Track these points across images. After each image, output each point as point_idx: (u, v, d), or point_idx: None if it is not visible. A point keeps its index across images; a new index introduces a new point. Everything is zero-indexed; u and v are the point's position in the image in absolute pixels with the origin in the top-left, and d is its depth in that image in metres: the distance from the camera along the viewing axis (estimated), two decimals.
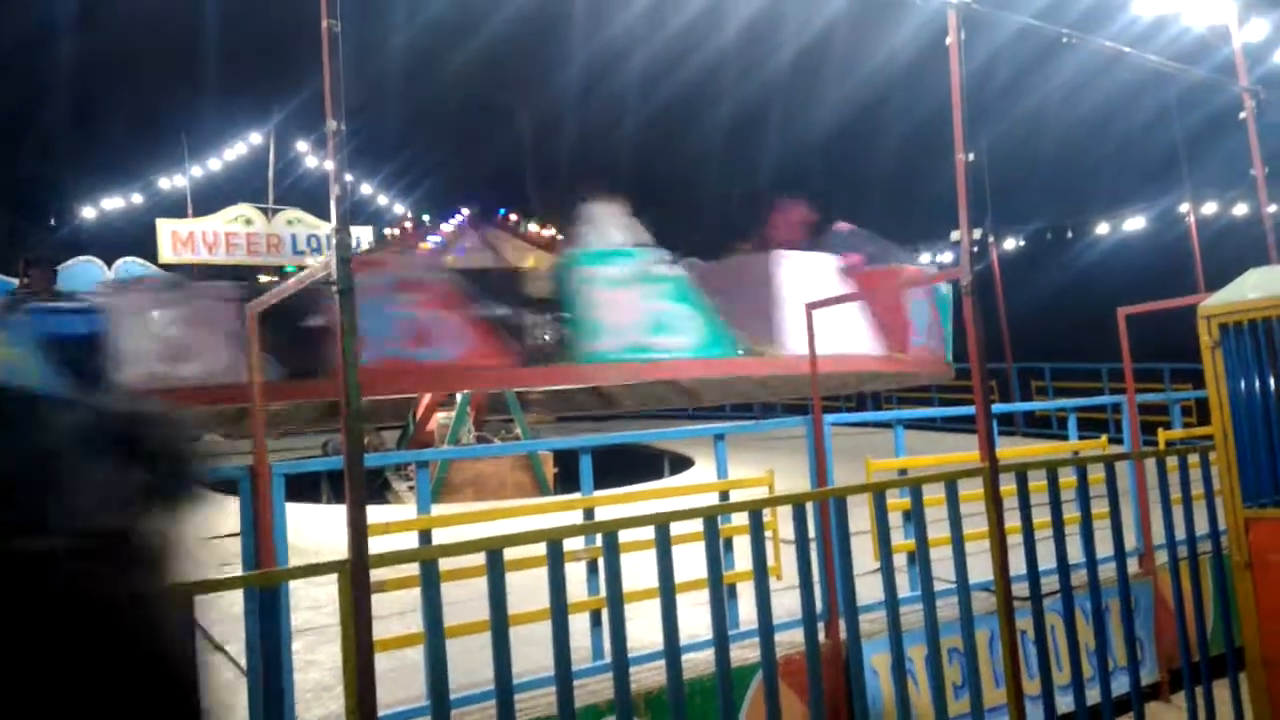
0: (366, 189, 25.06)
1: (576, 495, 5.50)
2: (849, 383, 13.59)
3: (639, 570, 4.61)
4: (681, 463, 14.05)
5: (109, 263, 16.11)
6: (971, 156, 5.00)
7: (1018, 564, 4.93)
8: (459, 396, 12.16)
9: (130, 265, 16.19)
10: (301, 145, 23.19)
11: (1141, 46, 6.76)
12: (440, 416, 12.37)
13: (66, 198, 21.20)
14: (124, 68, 23.78)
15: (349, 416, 3.58)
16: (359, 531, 3.52)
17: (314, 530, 9.19)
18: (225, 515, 9.35)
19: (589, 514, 5.33)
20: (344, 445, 3.59)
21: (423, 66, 24.01)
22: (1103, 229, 19.73)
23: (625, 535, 4.15)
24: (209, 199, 21.02)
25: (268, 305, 4.55)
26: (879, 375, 12.24)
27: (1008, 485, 4.95)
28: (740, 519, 5.43)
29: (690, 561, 4.59)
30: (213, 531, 8.87)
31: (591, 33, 24.38)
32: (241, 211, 20.39)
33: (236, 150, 21.73)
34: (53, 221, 20.39)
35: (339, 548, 8.01)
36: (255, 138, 21.62)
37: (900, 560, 5.93)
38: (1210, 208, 17.94)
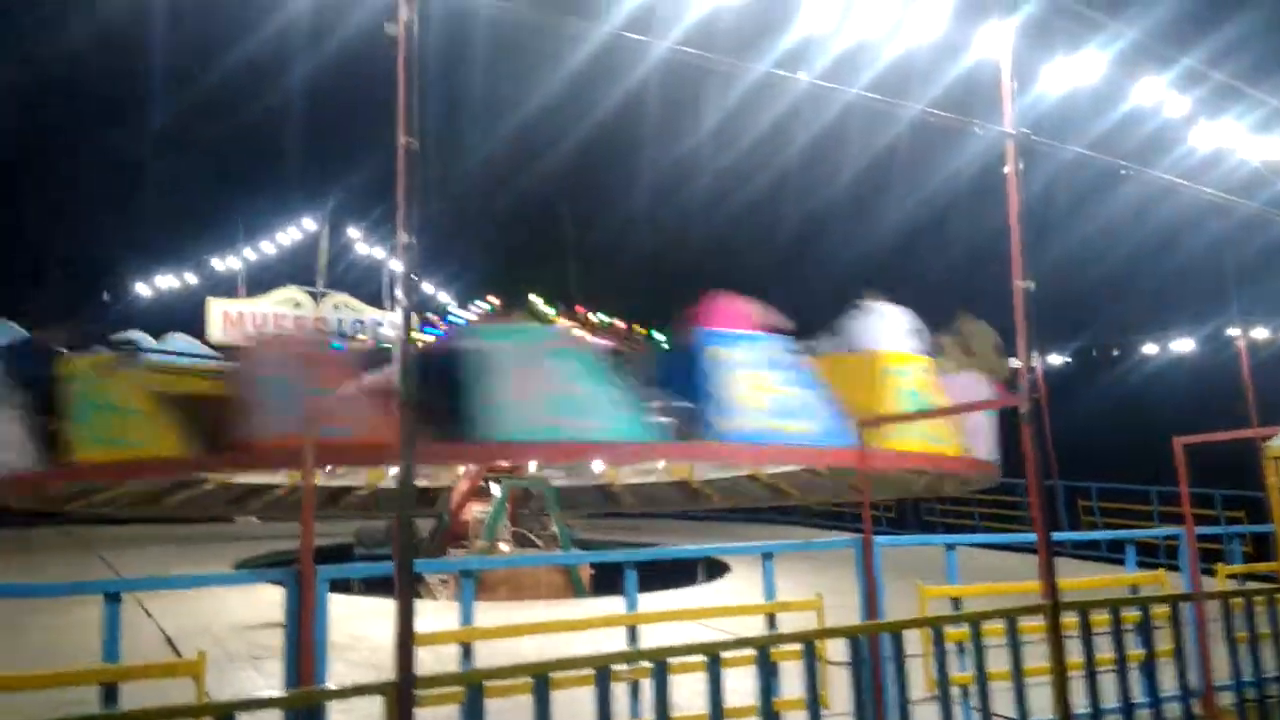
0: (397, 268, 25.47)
1: (620, 609, 5.38)
2: (913, 483, 13.18)
3: (681, 687, 4.46)
4: (715, 567, 13.82)
5: (156, 338, 16.37)
6: (1032, 285, 4.98)
7: (1079, 700, 4.73)
8: (497, 491, 12.10)
9: (176, 341, 16.47)
10: (352, 231, 23.74)
11: (1198, 177, 6.77)
12: (476, 510, 12.28)
13: (122, 274, 21.78)
14: (185, 149, 24.68)
15: (402, 533, 3.56)
16: (406, 651, 3.45)
17: (346, 620, 9.06)
18: (255, 603, 9.35)
19: (632, 630, 5.20)
20: (396, 559, 3.55)
21: (475, 168, 24.72)
22: (1150, 349, 19.57)
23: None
24: (260, 280, 21.53)
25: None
26: (945, 476, 11.87)
27: (1068, 618, 4.78)
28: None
29: (735, 681, 4.44)
30: (244, 621, 8.82)
31: (651, 149, 25.20)
32: (290, 294, 20.77)
33: (289, 234, 22.31)
34: (106, 296, 20.91)
35: (374, 642, 7.87)
36: (308, 223, 22.21)
37: (954, 691, 5.71)
38: (1261, 333, 17.75)
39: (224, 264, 22.52)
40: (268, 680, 6.83)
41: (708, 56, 4.31)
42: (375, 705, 3.49)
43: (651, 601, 9.01)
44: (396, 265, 24.16)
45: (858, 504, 18.44)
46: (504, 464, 11.43)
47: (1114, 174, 6.11)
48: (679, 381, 9.13)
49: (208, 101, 23.15)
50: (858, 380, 9.58)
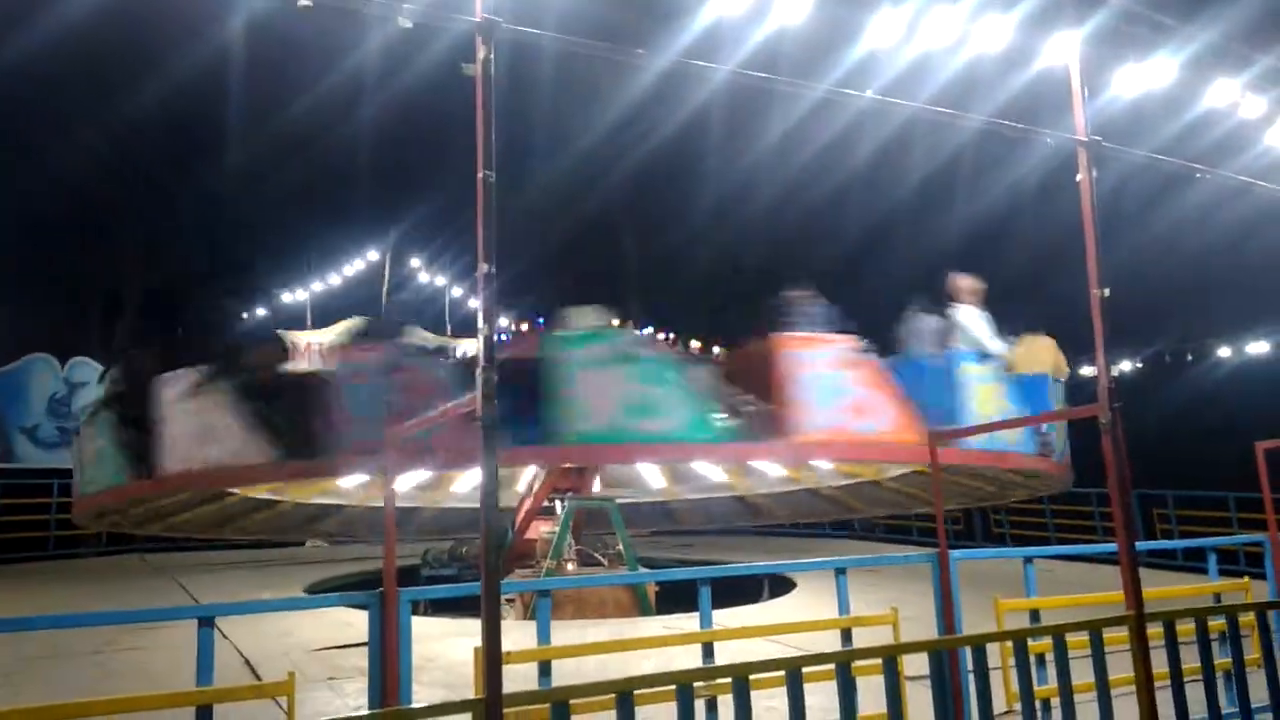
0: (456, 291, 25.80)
1: (686, 626, 5.41)
2: (981, 490, 12.91)
3: (755, 702, 4.46)
4: (779, 583, 13.74)
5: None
6: (1107, 292, 4.92)
7: (1166, 712, 4.64)
8: (562, 510, 12.18)
9: None
10: (414, 261, 24.24)
11: (1273, 176, 6.63)
12: (543, 530, 12.37)
13: (196, 307, 22.47)
14: (256, 188, 25.37)
15: (488, 551, 3.62)
16: (494, 668, 3.51)
17: (417, 641, 9.19)
18: (326, 625, 9.53)
19: (708, 646, 5.22)
20: (483, 577, 3.61)
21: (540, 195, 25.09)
22: (1225, 352, 19.04)
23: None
24: (327, 312, 22.06)
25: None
26: (1033, 475, 11.66)
27: (1151, 628, 4.70)
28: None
29: (810, 697, 4.43)
30: (317, 642, 8.99)
31: (713, 166, 25.38)
32: (355, 325, 21.24)
33: (354, 266, 22.85)
34: (180, 330, 21.57)
35: (446, 662, 7.97)
36: (372, 254, 22.73)
37: (1036, 704, 5.63)
38: None
39: (292, 296, 23.11)
40: (345, 700, 6.95)
41: (770, 78, 4.35)
42: None
43: (721, 618, 9.02)
44: (456, 291, 24.62)
45: (922, 516, 18.34)
46: (579, 465, 11.48)
47: (1186, 175, 6.02)
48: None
49: (276, 141, 23.87)
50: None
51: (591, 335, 9.12)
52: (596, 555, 12.19)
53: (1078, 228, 5.04)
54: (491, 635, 3.52)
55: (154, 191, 24.92)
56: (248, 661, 8.25)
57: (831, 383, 9.05)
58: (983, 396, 9.61)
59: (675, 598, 10.65)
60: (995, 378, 9.88)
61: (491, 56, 3.65)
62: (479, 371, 3.68)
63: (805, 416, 8.84)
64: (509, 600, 11.86)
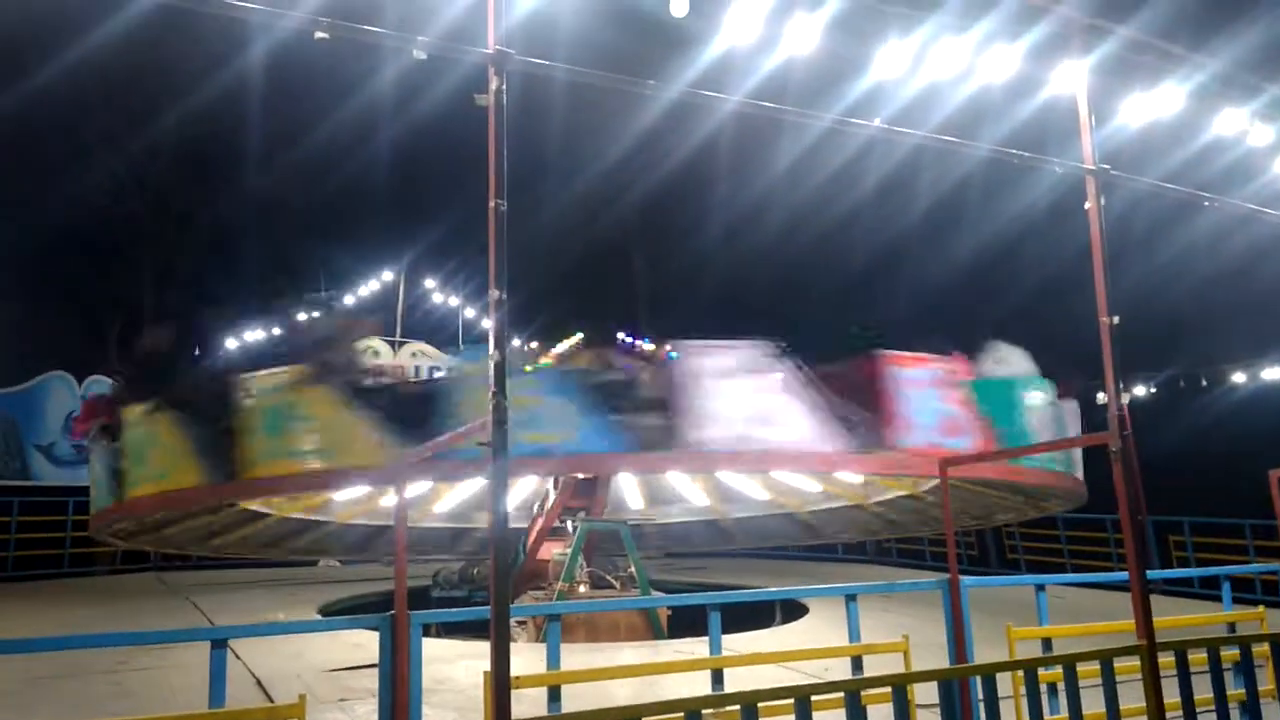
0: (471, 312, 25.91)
1: (698, 650, 5.41)
2: (994, 508, 12.84)
3: None
4: (793, 607, 13.68)
5: None
6: (1116, 320, 4.93)
7: None
8: (572, 530, 12.15)
9: None
10: (428, 281, 24.41)
11: None
12: (555, 552, 12.34)
13: (213, 330, 22.67)
14: (272, 211, 25.69)
15: (498, 575, 3.65)
16: (503, 695, 3.53)
17: (428, 663, 9.20)
18: (338, 646, 9.55)
19: (717, 672, 5.22)
20: (492, 603, 3.64)
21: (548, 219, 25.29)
22: (1240, 378, 18.93)
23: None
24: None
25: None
26: (1028, 497, 11.65)
27: (1164, 657, 4.68)
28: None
29: None
30: (329, 663, 9.00)
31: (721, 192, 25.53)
32: (369, 343, 21.37)
33: (369, 286, 23.04)
34: (197, 351, 21.75)
35: (457, 685, 7.97)
36: (386, 275, 22.92)
37: None
38: None
39: (308, 317, 23.24)
40: None
41: (779, 109, 4.40)
42: None
43: (732, 643, 8.99)
44: (469, 312, 24.77)
45: (935, 541, 18.19)
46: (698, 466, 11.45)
47: (1196, 202, 6.03)
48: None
49: (293, 164, 24.18)
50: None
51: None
52: (608, 578, 12.15)
53: (1088, 254, 5.06)
54: (500, 661, 3.55)
55: (172, 213, 25.21)
56: (260, 682, 8.28)
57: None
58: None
59: (688, 621, 10.62)
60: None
61: (504, 87, 3.71)
62: (490, 397, 3.72)
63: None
64: (521, 622, 11.83)
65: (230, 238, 26.10)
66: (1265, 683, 5.45)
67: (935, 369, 9.40)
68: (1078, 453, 11.13)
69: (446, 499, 14.03)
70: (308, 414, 8.98)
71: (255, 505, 11.56)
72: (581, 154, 24.08)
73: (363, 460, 8.63)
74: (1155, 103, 5.21)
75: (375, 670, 4.77)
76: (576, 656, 8.74)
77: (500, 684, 3.54)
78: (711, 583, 15.36)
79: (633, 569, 11.99)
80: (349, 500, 12.91)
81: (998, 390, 9.75)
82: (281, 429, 9.05)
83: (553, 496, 12.06)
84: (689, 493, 14.85)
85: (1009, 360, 10.21)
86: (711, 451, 8.87)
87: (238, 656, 8.92)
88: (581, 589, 11.73)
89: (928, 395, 9.26)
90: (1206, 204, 5.53)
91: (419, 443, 8.45)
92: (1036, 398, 10.01)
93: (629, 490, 14.66)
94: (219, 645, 4.41)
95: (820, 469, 10.35)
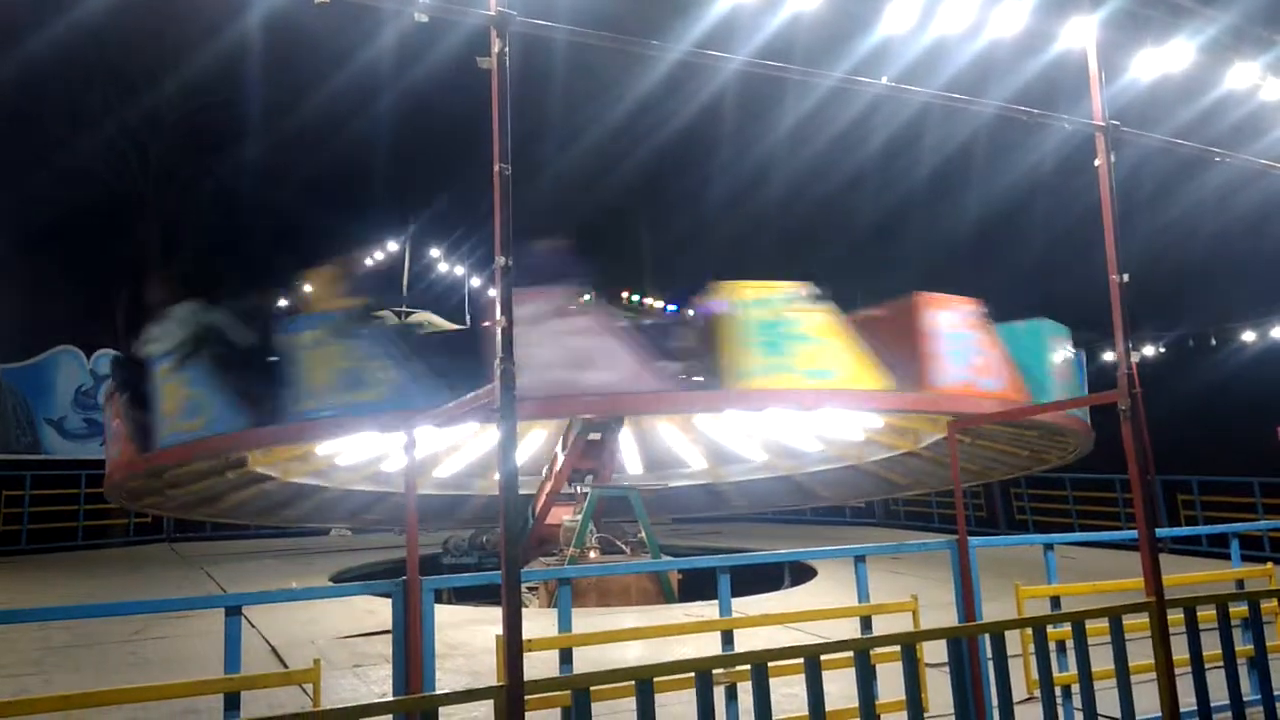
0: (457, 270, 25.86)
1: (708, 613, 5.44)
2: (1029, 451, 12.78)
3: (776, 690, 4.50)
4: (801, 570, 13.78)
5: None
6: (1126, 278, 4.90)
7: (1186, 698, 4.64)
8: (583, 496, 12.21)
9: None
10: (434, 251, 24.34)
11: None
12: (566, 518, 12.40)
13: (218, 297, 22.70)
14: (274, 179, 25.57)
15: (509, 542, 3.66)
16: (515, 656, 3.55)
17: (440, 629, 9.29)
18: (351, 613, 9.65)
19: (728, 634, 5.26)
20: (503, 567, 3.65)
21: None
22: (1249, 336, 18.85)
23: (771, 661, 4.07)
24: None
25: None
26: (1062, 433, 11.62)
27: (1173, 614, 4.70)
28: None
29: (830, 684, 4.46)
30: (342, 630, 9.10)
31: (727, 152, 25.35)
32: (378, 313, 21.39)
33: (374, 255, 22.99)
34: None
35: (470, 649, 8.05)
36: (391, 245, 22.85)
37: (1056, 691, 5.64)
38: None
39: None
40: (370, 687, 7.05)
41: (785, 68, 4.35)
42: (480, 710, 3.60)
43: (742, 606, 9.05)
44: (475, 281, 24.74)
45: (944, 504, 18.20)
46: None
47: (1207, 158, 5.97)
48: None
49: (296, 133, 24.05)
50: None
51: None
52: (618, 543, 12.21)
53: (1097, 211, 5.02)
54: (513, 624, 3.56)
55: (177, 184, 25.12)
56: (274, 649, 8.37)
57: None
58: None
59: (698, 585, 10.69)
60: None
61: (506, 50, 3.67)
62: (497, 364, 3.71)
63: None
64: (532, 588, 11.92)
65: (234, 208, 26.02)
66: (1274, 638, 5.47)
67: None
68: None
69: (445, 465, 14.10)
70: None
71: (262, 468, 11.59)
72: (585, 117, 23.91)
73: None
74: (1166, 57, 5.14)
75: (389, 636, 4.82)
76: (589, 620, 8.83)
77: (513, 647, 3.56)
78: (721, 546, 15.45)
79: (643, 534, 12.05)
80: (350, 466, 12.96)
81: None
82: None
83: (561, 459, 12.03)
84: (689, 456, 14.88)
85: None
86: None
87: (252, 625, 9.02)
88: (592, 555, 11.80)
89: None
90: (1217, 160, 5.48)
91: None
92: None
93: (629, 457, 14.69)
94: (233, 612, 4.45)
95: (869, 407, 10.22)
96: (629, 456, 14.69)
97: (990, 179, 20.96)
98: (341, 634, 8.98)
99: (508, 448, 3.72)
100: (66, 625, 9.16)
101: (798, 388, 8.70)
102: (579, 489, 12.25)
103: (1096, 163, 4.90)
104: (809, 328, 8.80)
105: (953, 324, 9.23)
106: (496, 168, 3.68)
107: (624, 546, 12.21)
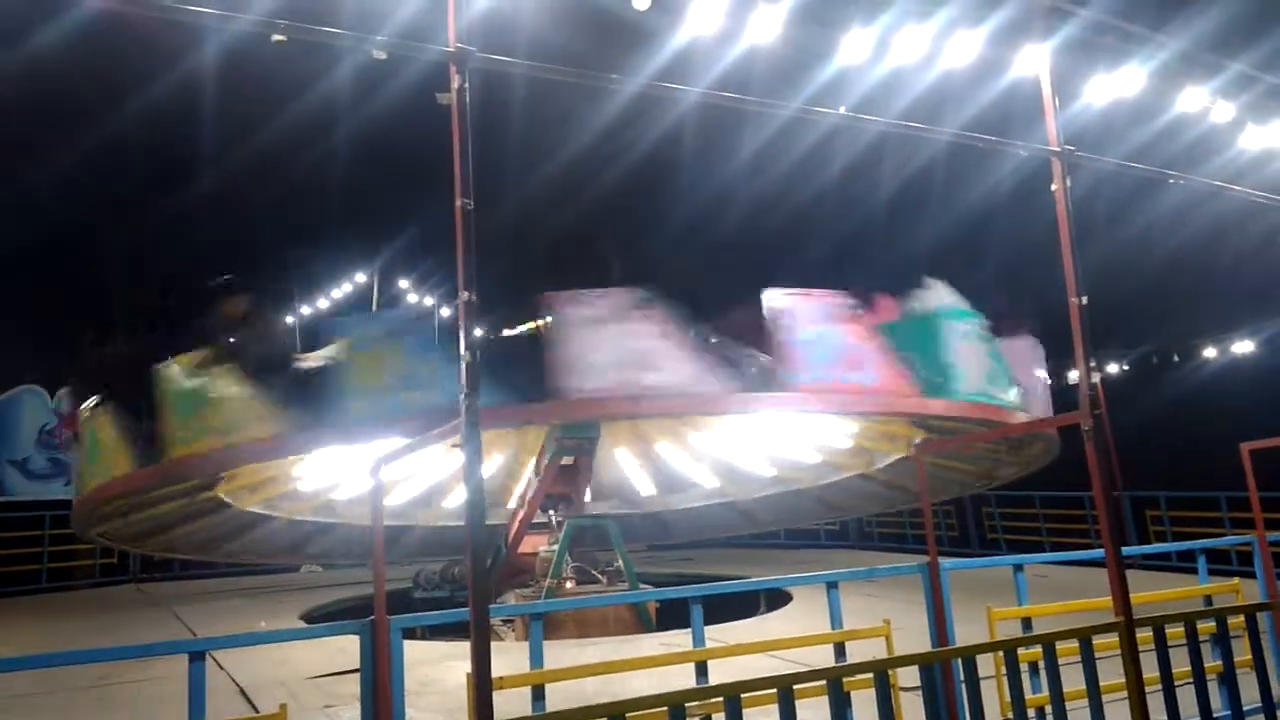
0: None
1: (686, 645, 5.41)
2: (985, 466, 12.80)
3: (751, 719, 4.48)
4: (778, 595, 13.76)
5: None
6: (1085, 300, 4.96)
7: (1158, 715, 4.66)
8: (554, 521, 12.09)
9: None
10: (403, 282, 24.27)
11: (1248, 177, 6.69)
12: (542, 549, 12.28)
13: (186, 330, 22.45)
14: (242, 211, 25.38)
15: (476, 576, 3.63)
16: (484, 695, 3.51)
17: (414, 666, 9.17)
18: (322, 651, 9.49)
19: (701, 665, 5.23)
20: (471, 605, 3.62)
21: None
22: (1211, 353, 19.16)
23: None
24: (314, 334, 22.08)
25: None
26: (1003, 452, 11.63)
27: (1142, 632, 4.73)
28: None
29: (806, 711, 4.44)
30: (314, 670, 8.95)
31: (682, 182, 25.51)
32: (344, 347, 21.25)
33: (341, 288, 22.90)
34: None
35: (444, 686, 7.94)
36: (359, 277, 22.80)
37: (1030, 713, 5.64)
38: None
39: (280, 320, 23.07)
40: None
41: (742, 99, 4.40)
42: None
43: (718, 633, 9.00)
44: (445, 311, 24.67)
45: (916, 525, 18.24)
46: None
47: (1161, 180, 6.08)
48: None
49: (257, 167, 23.92)
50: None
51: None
52: (594, 572, 12.12)
53: (1055, 234, 5.09)
54: (481, 663, 3.53)
55: (138, 219, 24.87)
56: (243, 691, 8.22)
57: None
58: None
59: (677, 612, 10.64)
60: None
61: (466, 86, 3.68)
62: (462, 399, 3.70)
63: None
64: (508, 621, 11.79)
65: (198, 245, 25.81)
66: (1241, 653, 5.51)
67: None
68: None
69: (455, 495, 13.97)
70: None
71: (222, 493, 11.45)
72: (546, 148, 23.98)
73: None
74: (1118, 83, 5.24)
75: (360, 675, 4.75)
76: (567, 652, 8.74)
77: (482, 686, 3.52)
78: (696, 574, 15.40)
79: (619, 562, 11.96)
80: (307, 493, 12.80)
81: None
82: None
83: (534, 485, 11.91)
84: (640, 483, 14.78)
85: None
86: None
87: (221, 667, 8.85)
88: (568, 585, 11.70)
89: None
90: (1171, 181, 5.57)
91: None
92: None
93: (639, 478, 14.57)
94: (196, 658, 4.36)
95: (709, 411, 10.18)
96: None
97: (947, 205, 21.23)
98: (313, 674, 8.83)
99: (474, 481, 3.70)
100: (29, 672, 8.95)
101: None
102: (552, 516, 12.15)
103: (1053, 187, 4.98)
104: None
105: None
106: (459, 203, 3.68)
107: (600, 576, 12.11)
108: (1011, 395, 10.39)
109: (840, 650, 5.59)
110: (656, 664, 5.15)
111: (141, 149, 24.05)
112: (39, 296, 23.79)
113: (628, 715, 3.75)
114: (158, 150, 24.16)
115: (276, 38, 3.62)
